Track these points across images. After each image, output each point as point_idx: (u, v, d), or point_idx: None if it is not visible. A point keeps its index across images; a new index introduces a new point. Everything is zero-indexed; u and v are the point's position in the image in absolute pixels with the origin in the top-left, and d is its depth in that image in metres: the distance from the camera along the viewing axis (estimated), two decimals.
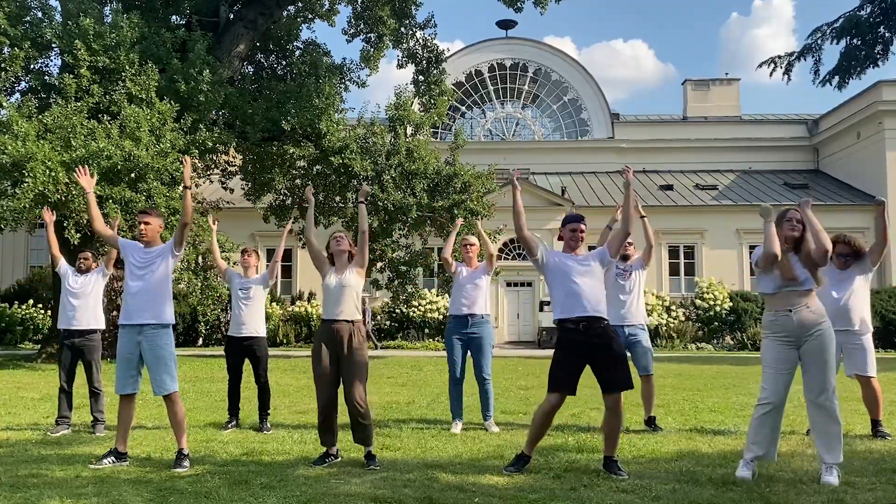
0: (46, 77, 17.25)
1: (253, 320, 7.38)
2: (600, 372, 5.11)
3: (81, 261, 7.34)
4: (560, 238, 5.49)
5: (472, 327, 7.14)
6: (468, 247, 7.38)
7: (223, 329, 22.09)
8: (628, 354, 7.07)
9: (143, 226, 5.56)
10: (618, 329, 6.93)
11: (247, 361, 7.46)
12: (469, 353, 7.23)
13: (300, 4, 20.71)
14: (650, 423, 7.02)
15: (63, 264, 7.35)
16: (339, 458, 5.56)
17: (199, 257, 16.56)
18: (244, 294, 7.36)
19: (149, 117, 15.01)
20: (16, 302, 24.73)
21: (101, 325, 7.32)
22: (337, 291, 5.46)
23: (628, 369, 5.17)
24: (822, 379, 4.85)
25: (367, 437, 5.45)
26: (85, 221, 14.18)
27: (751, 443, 4.98)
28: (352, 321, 5.47)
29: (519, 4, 19.57)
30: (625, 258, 7.13)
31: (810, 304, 4.92)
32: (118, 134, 14.62)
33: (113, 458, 5.44)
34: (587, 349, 5.11)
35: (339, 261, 5.61)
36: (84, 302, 7.20)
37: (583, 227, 5.36)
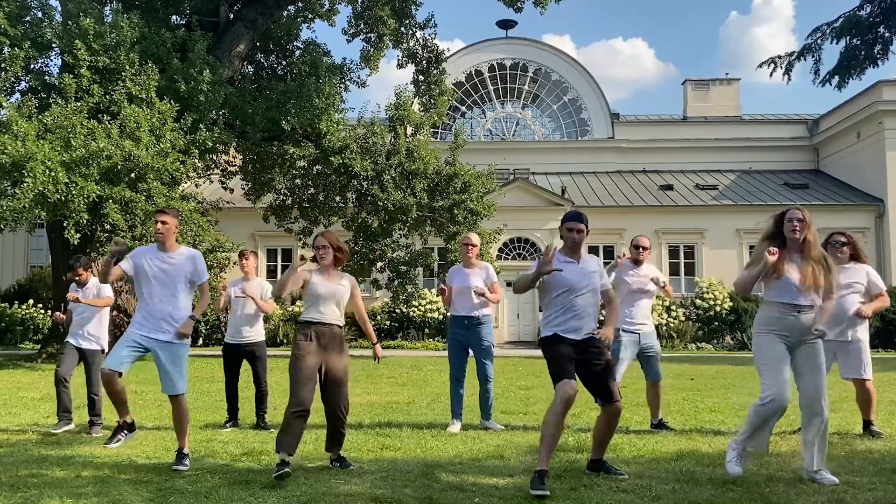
0: (46, 77, 17.24)
1: (252, 325, 7.34)
2: (595, 383, 4.95)
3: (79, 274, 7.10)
4: (562, 237, 5.17)
5: (473, 328, 7.10)
6: (469, 247, 7.29)
7: (223, 329, 22.04)
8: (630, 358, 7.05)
9: (159, 224, 5.53)
10: (633, 334, 6.85)
11: (245, 364, 7.42)
12: (471, 354, 7.19)
13: (300, 4, 20.70)
14: (660, 426, 6.96)
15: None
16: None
17: None
18: (242, 298, 7.30)
19: (149, 117, 15.01)
20: (16, 302, 24.72)
21: (107, 338, 7.23)
22: (329, 295, 5.35)
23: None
24: (820, 383, 4.88)
25: (342, 443, 5.43)
26: (85, 221, 14.18)
27: (747, 437, 4.90)
28: (341, 326, 5.42)
29: (519, 4, 19.57)
30: (637, 262, 7.00)
31: (811, 308, 4.95)
32: (118, 134, 14.61)
33: (125, 431, 5.62)
34: (577, 361, 4.93)
35: (326, 268, 5.43)
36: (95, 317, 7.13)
37: (581, 226, 5.02)
